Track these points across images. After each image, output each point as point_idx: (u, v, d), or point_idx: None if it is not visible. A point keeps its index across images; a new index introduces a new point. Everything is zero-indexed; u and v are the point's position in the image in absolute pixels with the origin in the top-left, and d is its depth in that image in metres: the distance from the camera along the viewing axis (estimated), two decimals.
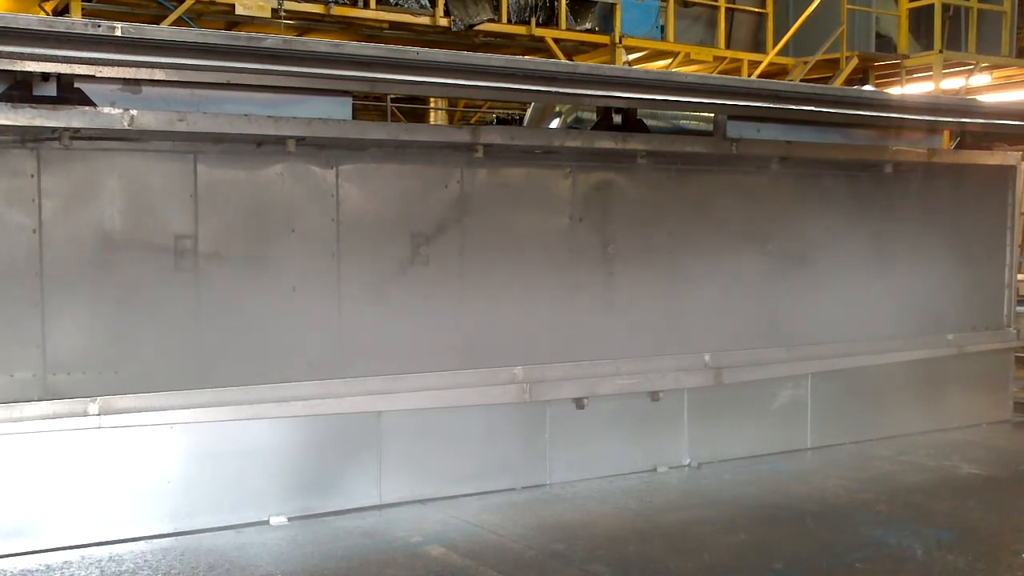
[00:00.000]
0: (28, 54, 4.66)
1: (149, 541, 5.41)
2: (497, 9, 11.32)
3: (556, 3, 11.69)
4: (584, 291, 6.75)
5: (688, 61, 12.90)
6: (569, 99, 6.54)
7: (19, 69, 4.73)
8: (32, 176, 5.21)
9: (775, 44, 13.25)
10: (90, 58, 4.80)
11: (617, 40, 12.07)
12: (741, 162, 7.24)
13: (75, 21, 4.93)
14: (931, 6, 13.18)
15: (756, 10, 13.77)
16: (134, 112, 5.10)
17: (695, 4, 13.18)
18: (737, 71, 13.20)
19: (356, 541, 5.47)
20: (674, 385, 7.00)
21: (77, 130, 5.08)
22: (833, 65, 13.24)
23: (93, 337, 5.36)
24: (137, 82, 5.21)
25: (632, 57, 12.62)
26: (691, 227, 7.15)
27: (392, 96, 12.93)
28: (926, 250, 8.29)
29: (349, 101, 5.85)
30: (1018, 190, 8.79)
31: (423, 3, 10.97)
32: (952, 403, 8.47)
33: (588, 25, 12.07)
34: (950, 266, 8.41)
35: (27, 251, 5.20)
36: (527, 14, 11.57)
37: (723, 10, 13.07)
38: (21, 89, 4.97)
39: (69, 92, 5.08)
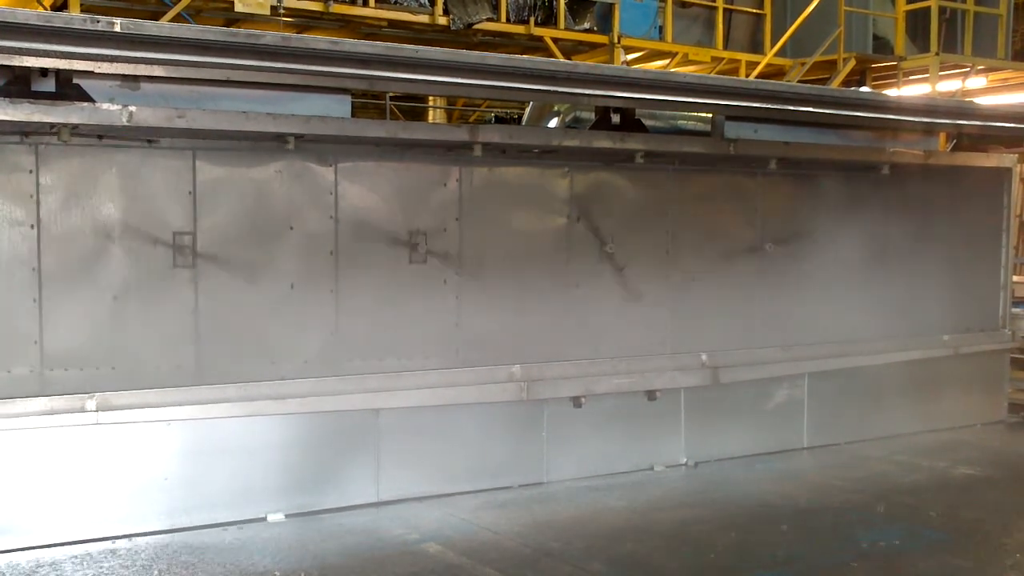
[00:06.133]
0: (26, 49, 4.66)
1: (146, 538, 5.40)
2: (496, 8, 11.32)
3: (555, 2, 11.69)
4: (582, 290, 6.76)
5: (686, 61, 12.90)
6: (567, 98, 6.54)
7: (17, 64, 4.73)
8: (30, 172, 5.21)
9: (773, 45, 13.26)
10: (89, 54, 4.79)
11: (615, 40, 12.06)
12: (738, 162, 7.25)
13: (74, 16, 4.90)
14: (928, 8, 13.20)
15: (754, 11, 13.78)
16: (133, 108, 5.09)
17: (693, 5, 13.19)
18: (735, 72, 13.21)
19: (353, 538, 5.48)
20: (671, 384, 7.02)
21: (75, 126, 5.08)
22: (830, 66, 13.25)
23: (90, 333, 5.36)
24: (136, 78, 5.21)
25: (630, 57, 12.62)
26: (688, 227, 7.17)
27: (391, 94, 12.92)
28: (922, 251, 8.32)
29: (348, 99, 5.85)
30: (1014, 192, 8.81)
31: (422, 1, 10.96)
32: (947, 404, 8.49)
33: (586, 25, 12.06)
34: (946, 267, 8.43)
35: (25, 247, 5.19)
36: (526, 13, 11.56)
37: (721, 11, 13.08)
38: (19, 84, 4.97)
39: (67, 88, 5.08)
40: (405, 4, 10.86)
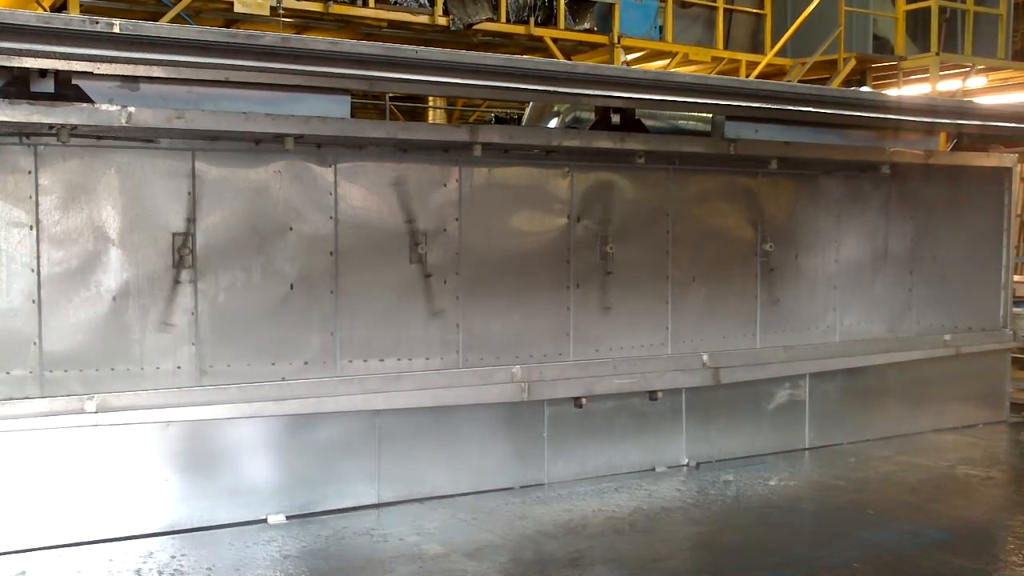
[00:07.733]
0: (25, 50, 4.64)
1: (146, 539, 5.39)
2: (496, 8, 11.32)
3: (555, 3, 11.69)
4: (582, 290, 6.75)
5: (686, 61, 12.91)
6: (567, 98, 6.53)
7: (16, 65, 4.71)
8: (29, 173, 5.20)
9: (773, 45, 13.27)
10: (88, 55, 4.78)
11: (615, 40, 12.07)
12: (739, 162, 7.24)
13: (73, 17, 4.89)
14: (928, 8, 13.21)
15: (754, 11, 13.79)
16: (132, 109, 5.08)
17: (693, 5, 13.19)
18: (735, 72, 13.22)
19: (354, 540, 5.47)
20: (672, 385, 7.00)
21: (75, 127, 5.07)
22: (831, 66, 13.26)
23: (90, 334, 5.34)
24: (135, 79, 5.20)
25: (630, 57, 12.63)
26: (689, 227, 7.16)
27: (391, 95, 12.92)
28: (923, 251, 8.31)
29: (348, 99, 5.84)
30: (1014, 191, 8.80)
31: (422, 2, 10.97)
32: (949, 404, 8.48)
33: (586, 25, 12.07)
34: (947, 267, 8.43)
35: (24, 248, 5.18)
36: (526, 13, 11.57)
37: (721, 11, 13.08)
38: (18, 85, 4.96)
39: (67, 89, 5.07)
40: (405, 4, 10.86)
